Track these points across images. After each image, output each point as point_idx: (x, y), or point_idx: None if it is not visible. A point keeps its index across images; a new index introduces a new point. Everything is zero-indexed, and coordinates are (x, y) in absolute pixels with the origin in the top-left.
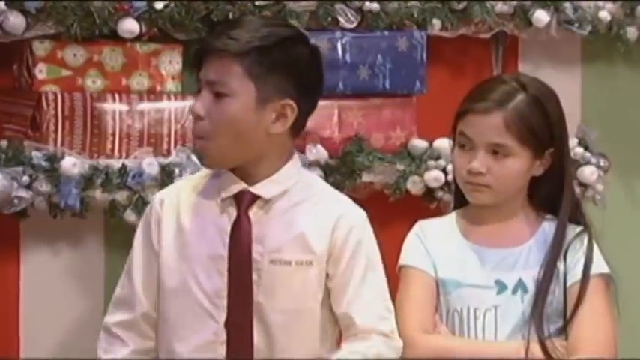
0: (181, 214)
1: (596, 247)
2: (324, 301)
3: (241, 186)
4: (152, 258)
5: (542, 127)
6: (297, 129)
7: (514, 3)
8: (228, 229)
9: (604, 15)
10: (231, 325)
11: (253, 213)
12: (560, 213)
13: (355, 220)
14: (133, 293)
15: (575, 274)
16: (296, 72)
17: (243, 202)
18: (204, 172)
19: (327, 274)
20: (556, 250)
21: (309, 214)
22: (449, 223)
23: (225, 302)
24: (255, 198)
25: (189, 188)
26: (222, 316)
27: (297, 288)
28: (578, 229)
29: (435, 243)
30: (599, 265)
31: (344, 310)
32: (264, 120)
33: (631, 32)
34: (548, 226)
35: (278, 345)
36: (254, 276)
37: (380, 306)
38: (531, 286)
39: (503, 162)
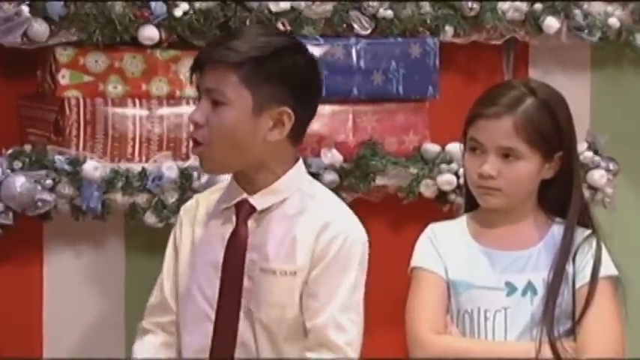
0: (196, 224)
1: (604, 250)
2: None
3: (241, 196)
4: (177, 265)
5: (552, 130)
6: (297, 136)
7: (525, 9)
8: (228, 237)
9: (614, 21)
10: (219, 328)
11: (251, 222)
12: (569, 216)
13: (341, 228)
14: (164, 301)
15: (583, 277)
16: (292, 80)
17: (242, 211)
18: (225, 182)
19: (306, 281)
20: (565, 252)
21: (301, 225)
22: (460, 226)
23: None
24: (254, 207)
25: (207, 199)
26: None
27: (281, 297)
28: (587, 232)
29: (446, 245)
30: (607, 268)
31: (307, 317)
32: (261, 128)
33: None
34: (558, 229)
35: (264, 352)
36: (247, 283)
37: (343, 317)
38: (540, 289)
39: (514, 165)
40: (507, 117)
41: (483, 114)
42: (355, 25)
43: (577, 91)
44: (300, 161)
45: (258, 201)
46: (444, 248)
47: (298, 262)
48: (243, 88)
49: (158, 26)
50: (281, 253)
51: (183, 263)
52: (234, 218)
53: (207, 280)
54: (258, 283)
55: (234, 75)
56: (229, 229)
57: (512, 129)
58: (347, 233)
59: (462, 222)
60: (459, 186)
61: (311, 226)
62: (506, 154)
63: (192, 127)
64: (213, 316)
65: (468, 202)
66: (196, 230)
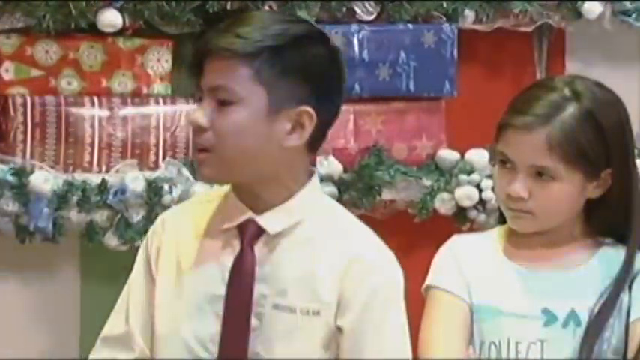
0: (181, 244)
1: None
2: (330, 356)
3: (246, 215)
4: (152, 291)
5: (595, 146)
6: (315, 143)
7: None
8: (229, 265)
9: None
10: None
11: (259, 247)
12: (631, 239)
13: (372, 262)
14: (128, 334)
15: None
16: (313, 76)
17: (247, 234)
18: (213, 193)
19: (339, 328)
20: (622, 279)
21: (323, 254)
22: (489, 239)
23: (216, 348)
24: (262, 230)
25: (193, 212)
26: None
27: (301, 340)
28: None
29: (471, 262)
30: None
31: None
32: (278, 131)
33: None
34: (609, 252)
35: None
36: (254, 321)
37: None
38: (586, 319)
39: (548, 186)
40: (540, 130)
41: (513, 124)
42: (357, 10)
43: (623, 87)
44: (316, 175)
45: (268, 222)
46: (468, 265)
47: (323, 299)
48: (256, 83)
49: (121, 10)
50: (301, 287)
51: (164, 292)
52: (236, 242)
53: (199, 315)
54: (269, 322)
55: (246, 68)
56: (229, 255)
57: (544, 146)
58: (381, 269)
59: (492, 235)
60: (480, 200)
61: (336, 257)
62: (540, 172)
63: (191, 131)
64: (204, 357)
65: (501, 214)
66: (182, 253)
